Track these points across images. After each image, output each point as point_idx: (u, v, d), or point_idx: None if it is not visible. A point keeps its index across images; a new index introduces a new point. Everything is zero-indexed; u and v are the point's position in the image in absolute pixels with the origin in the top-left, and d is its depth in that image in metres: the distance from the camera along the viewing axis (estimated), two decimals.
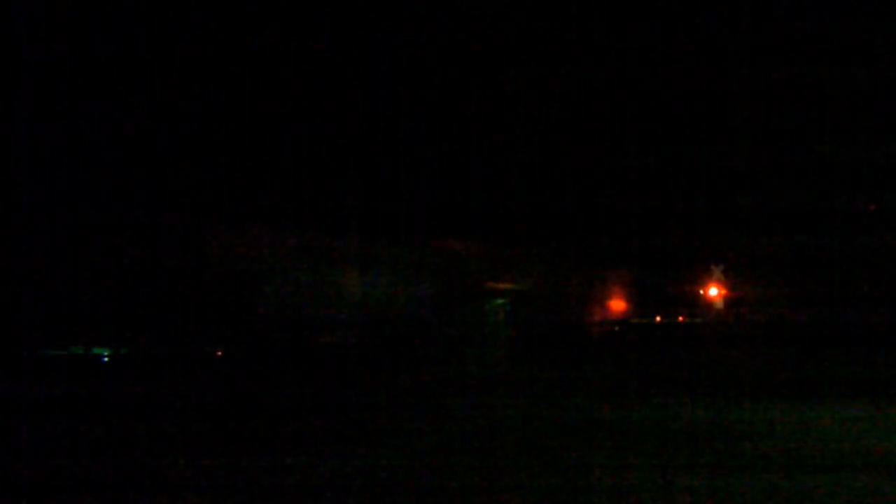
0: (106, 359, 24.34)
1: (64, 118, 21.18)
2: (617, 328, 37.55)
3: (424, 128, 27.35)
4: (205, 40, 23.43)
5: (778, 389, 18.44)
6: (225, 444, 12.32)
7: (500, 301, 30.72)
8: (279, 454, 11.64)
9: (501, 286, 32.34)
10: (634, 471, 10.45)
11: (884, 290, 34.24)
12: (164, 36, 22.79)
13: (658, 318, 38.43)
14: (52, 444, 12.42)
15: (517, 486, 9.73)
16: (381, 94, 26.43)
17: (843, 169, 31.03)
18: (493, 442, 12.66)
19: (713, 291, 37.36)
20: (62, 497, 9.31)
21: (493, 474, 10.42)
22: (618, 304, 38.35)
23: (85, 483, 9.90)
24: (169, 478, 10.16)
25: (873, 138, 30.07)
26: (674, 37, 27.31)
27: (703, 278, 37.65)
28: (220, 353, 28.02)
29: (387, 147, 27.22)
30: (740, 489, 9.47)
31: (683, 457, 11.24)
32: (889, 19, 26.56)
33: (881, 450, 11.67)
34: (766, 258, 35.53)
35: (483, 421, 14.82)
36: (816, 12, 27.11)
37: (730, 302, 37.46)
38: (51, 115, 20.84)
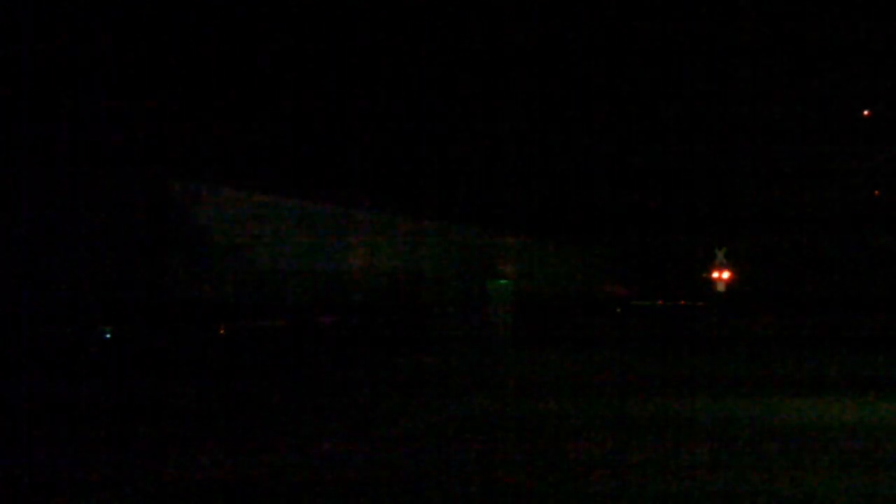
0: (108, 336, 24.36)
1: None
2: (619, 310, 37.65)
3: (429, 118, 27.34)
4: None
5: (777, 385, 18.43)
6: (216, 438, 12.30)
7: (503, 282, 30.70)
8: (272, 446, 11.67)
9: (505, 267, 32.33)
10: (635, 469, 10.48)
11: (884, 286, 34.30)
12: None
13: (661, 301, 38.53)
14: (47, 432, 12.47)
15: (515, 483, 9.75)
16: (395, 83, 26.39)
17: (845, 165, 31.06)
18: (492, 433, 12.70)
19: (716, 275, 37.41)
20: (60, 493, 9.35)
21: (492, 470, 10.44)
22: (620, 287, 38.41)
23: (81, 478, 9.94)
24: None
25: (873, 138, 30.08)
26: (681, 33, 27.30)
27: (706, 262, 37.71)
28: (222, 331, 28.03)
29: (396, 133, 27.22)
30: (739, 488, 9.49)
31: (683, 454, 11.27)
32: (889, 19, 26.47)
33: (881, 449, 11.69)
34: (767, 245, 35.58)
35: (481, 410, 14.85)
36: (816, 12, 27.05)
37: (732, 286, 37.52)
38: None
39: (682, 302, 38.29)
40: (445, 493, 9.18)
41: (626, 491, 9.31)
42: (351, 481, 9.62)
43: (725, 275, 37.17)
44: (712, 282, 37.40)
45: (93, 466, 10.18)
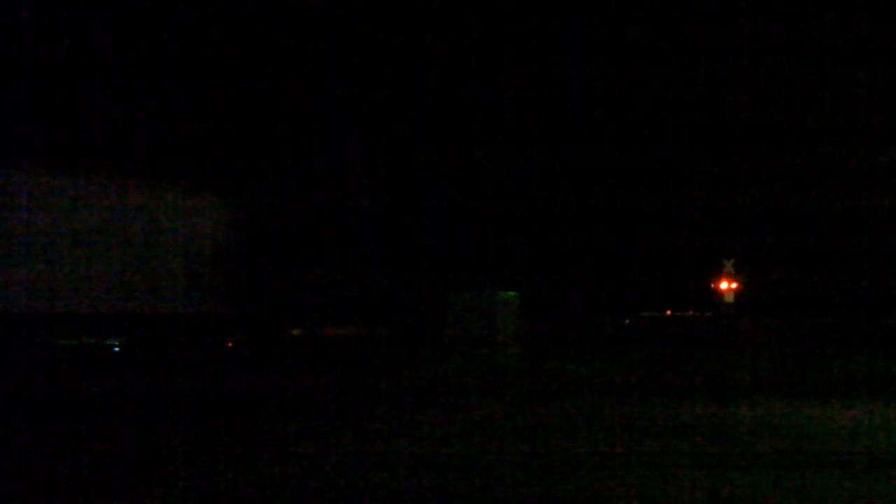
0: (117, 349, 24.48)
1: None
2: (628, 321, 37.61)
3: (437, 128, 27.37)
4: None
5: (781, 387, 18.42)
6: (220, 442, 12.33)
7: (510, 293, 30.75)
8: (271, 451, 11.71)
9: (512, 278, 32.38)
10: (635, 469, 10.50)
11: (886, 289, 34.22)
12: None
13: (668, 312, 38.49)
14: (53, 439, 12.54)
15: (514, 485, 9.78)
16: (387, 95, 26.40)
17: (849, 168, 31.05)
18: (496, 438, 12.72)
19: (724, 285, 37.39)
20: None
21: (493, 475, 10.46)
22: (629, 297, 38.38)
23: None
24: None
25: (874, 138, 30.06)
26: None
27: (713, 272, 37.67)
28: (230, 343, 28.16)
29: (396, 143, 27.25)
30: (739, 488, 9.49)
31: (683, 454, 11.28)
32: (889, 19, 26.47)
33: (882, 449, 11.68)
34: (774, 254, 35.55)
35: (487, 417, 14.87)
36: (816, 12, 27.06)
37: (740, 296, 37.49)
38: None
39: (691, 311, 38.26)
40: (450, 498, 9.22)
41: (627, 492, 9.32)
42: (356, 488, 9.66)
43: (734, 285, 37.14)
44: (720, 292, 37.37)
45: None
